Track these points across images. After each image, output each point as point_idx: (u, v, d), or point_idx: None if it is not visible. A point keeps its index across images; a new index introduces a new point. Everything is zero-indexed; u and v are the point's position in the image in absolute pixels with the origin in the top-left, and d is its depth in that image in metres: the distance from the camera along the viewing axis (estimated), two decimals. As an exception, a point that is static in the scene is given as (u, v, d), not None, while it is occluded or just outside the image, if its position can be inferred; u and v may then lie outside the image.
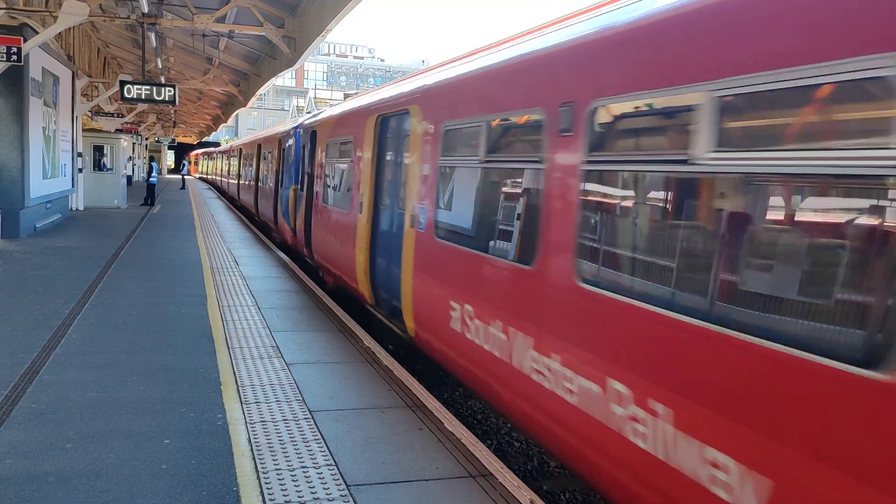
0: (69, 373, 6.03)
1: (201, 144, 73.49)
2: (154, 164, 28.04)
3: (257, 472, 4.28)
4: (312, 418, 5.22)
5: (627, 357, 3.59)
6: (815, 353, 2.60)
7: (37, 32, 14.19)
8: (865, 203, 2.62)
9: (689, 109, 3.34)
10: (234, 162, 30.01)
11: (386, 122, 8.38)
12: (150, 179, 27.12)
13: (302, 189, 12.90)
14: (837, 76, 2.63)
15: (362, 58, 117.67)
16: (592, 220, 4.08)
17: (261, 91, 26.59)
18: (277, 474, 4.25)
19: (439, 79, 6.69)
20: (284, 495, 3.99)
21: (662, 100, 3.58)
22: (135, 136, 38.84)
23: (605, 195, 4.07)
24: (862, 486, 2.41)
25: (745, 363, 2.89)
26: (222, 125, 52.36)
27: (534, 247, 4.55)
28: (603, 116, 4.01)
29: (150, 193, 26.78)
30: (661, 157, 3.62)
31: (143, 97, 16.72)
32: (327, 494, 4.03)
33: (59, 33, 16.23)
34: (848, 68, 2.58)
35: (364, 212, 8.58)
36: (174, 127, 53.68)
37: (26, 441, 4.59)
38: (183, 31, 19.12)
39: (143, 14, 15.27)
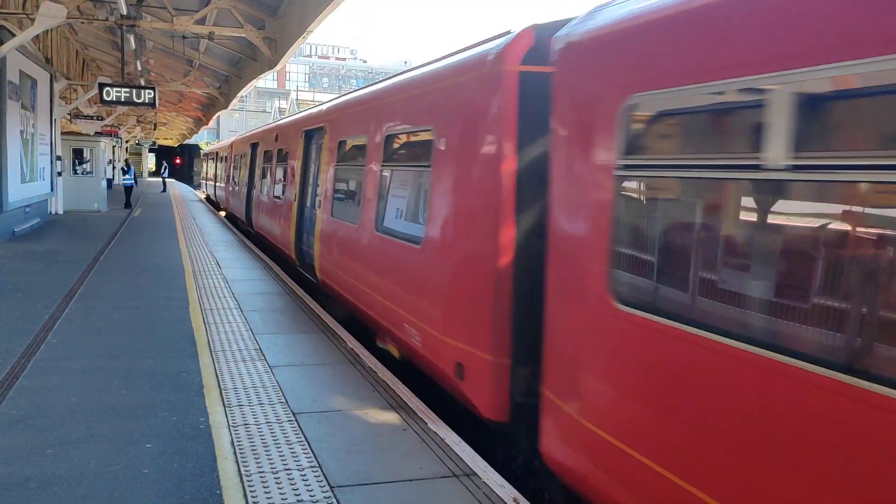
0: (50, 378, 5.98)
1: (183, 147, 72.92)
2: (131, 167, 28.07)
3: (240, 475, 4.27)
4: (296, 420, 5.22)
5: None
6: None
7: (13, 35, 14.04)
8: None
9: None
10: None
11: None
12: (125, 181, 27.37)
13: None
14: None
15: (344, 59, 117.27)
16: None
17: (242, 93, 26.47)
18: (261, 477, 4.25)
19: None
20: (268, 498, 3.99)
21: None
22: (115, 139, 38.49)
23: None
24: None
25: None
26: (203, 127, 52.02)
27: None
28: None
29: (127, 196, 26.84)
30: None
31: (123, 100, 16.59)
32: (311, 496, 4.03)
33: (37, 35, 16.03)
34: None
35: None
36: (155, 129, 53.25)
37: (6, 447, 4.54)
38: (162, 33, 18.97)
39: (122, 16, 15.11)
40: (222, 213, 27.09)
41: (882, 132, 2.53)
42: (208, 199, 35.86)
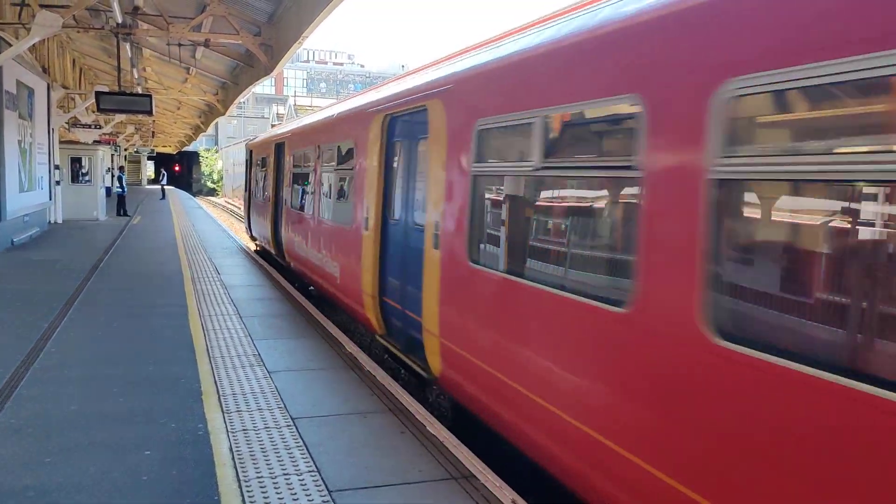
0: (48, 387, 5.98)
1: (181, 154, 72.93)
2: (122, 175, 28.45)
3: (239, 480, 4.27)
4: (294, 425, 5.22)
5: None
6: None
7: (10, 45, 14.06)
8: None
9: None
10: None
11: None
12: (117, 190, 27.98)
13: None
14: None
15: (342, 64, 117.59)
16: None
17: (240, 99, 26.48)
18: (259, 482, 4.25)
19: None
20: (266, 503, 4.00)
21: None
22: (113, 148, 38.50)
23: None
24: None
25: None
26: (202, 134, 52.05)
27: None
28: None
29: (121, 204, 27.32)
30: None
31: (120, 108, 16.60)
32: (309, 501, 4.03)
33: (34, 45, 16.07)
34: None
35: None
36: (153, 137, 53.28)
37: (5, 456, 4.55)
38: (159, 40, 19.01)
39: (118, 24, 15.16)
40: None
41: None
42: (263, 252, 17.07)
